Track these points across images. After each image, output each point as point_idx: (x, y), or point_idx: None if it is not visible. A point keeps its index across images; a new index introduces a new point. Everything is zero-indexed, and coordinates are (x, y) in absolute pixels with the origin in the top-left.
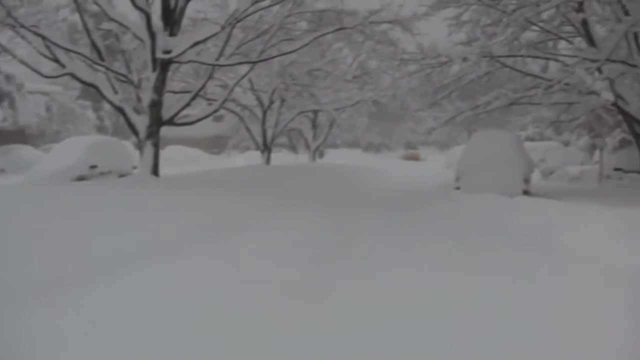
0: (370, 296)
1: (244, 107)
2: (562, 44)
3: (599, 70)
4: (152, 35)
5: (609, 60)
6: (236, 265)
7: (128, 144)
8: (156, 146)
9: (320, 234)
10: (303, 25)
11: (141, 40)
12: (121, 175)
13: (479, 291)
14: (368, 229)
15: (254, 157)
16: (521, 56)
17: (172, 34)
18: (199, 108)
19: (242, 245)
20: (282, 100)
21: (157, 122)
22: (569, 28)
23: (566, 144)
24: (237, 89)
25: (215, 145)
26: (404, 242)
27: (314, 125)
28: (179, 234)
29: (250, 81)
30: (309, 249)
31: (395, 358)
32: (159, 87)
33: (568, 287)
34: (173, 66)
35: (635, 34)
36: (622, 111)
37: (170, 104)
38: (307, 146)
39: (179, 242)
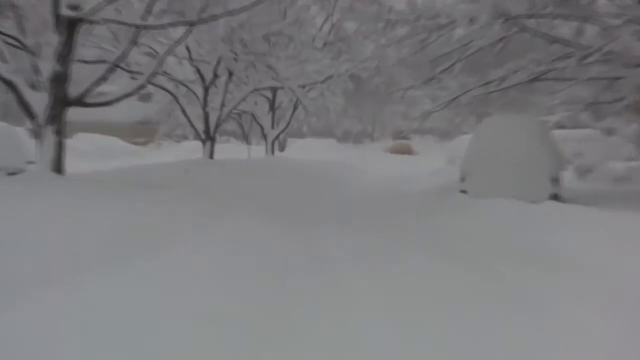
0: None
1: (179, 82)
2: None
3: None
4: None
5: None
6: (146, 300)
7: (21, 131)
8: (60, 134)
9: (272, 258)
10: None
11: None
12: (11, 173)
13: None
14: (339, 250)
15: (193, 149)
16: (547, 16)
17: None
18: (119, 83)
19: (155, 274)
20: (230, 74)
21: (61, 101)
22: None
23: (609, 132)
24: (170, 59)
25: (141, 133)
26: (387, 270)
27: (273, 108)
28: (75, 258)
29: (188, 49)
30: (250, 278)
31: None
32: (64, 55)
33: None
34: (83, 27)
35: None
36: None
37: (80, 78)
38: (264, 135)
39: (73, 268)
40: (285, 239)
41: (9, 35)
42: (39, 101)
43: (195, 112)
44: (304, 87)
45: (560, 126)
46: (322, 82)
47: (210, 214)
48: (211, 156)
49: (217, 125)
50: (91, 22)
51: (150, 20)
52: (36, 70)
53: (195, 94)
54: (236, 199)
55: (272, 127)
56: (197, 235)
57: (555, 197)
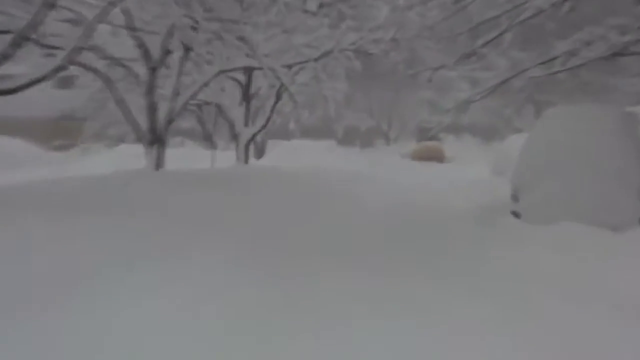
0: None
1: (115, 61)
2: None
3: None
4: None
5: None
6: None
7: None
8: None
9: (239, 327)
10: None
11: None
12: None
13: None
14: (342, 305)
15: (133, 155)
16: None
17: None
18: (29, 62)
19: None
20: (187, 50)
21: None
22: None
23: None
24: (102, 29)
25: (60, 133)
26: (414, 343)
27: (247, 97)
28: None
29: (128, 13)
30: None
31: None
32: None
33: None
34: None
35: None
36: None
37: None
38: (234, 135)
39: None
40: (265, 295)
41: None
42: None
43: (137, 104)
44: (290, 67)
45: None
46: (317, 59)
47: (173, 244)
48: (159, 165)
49: (169, 122)
50: None
51: None
52: None
53: (137, 77)
54: (201, 226)
55: (246, 124)
56: (150, 278)
57: None
